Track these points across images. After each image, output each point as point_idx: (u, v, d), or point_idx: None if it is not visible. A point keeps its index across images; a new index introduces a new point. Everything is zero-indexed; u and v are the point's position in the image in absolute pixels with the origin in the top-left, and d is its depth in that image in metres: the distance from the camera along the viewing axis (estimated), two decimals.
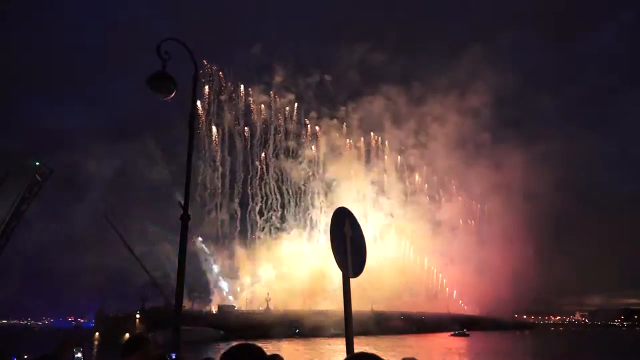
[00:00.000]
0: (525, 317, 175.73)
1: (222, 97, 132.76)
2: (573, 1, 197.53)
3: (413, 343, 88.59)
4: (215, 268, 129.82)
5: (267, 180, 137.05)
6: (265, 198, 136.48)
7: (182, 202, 8.61)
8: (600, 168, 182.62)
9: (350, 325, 5.47)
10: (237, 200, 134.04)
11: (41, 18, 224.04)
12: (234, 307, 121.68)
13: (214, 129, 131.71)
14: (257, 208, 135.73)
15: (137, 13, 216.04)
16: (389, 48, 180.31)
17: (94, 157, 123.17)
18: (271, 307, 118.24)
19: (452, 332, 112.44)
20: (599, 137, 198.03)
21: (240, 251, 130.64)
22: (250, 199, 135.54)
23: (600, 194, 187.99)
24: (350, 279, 5.66)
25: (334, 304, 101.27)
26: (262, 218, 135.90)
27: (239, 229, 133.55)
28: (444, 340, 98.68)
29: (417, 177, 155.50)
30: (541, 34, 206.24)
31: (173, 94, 9.03)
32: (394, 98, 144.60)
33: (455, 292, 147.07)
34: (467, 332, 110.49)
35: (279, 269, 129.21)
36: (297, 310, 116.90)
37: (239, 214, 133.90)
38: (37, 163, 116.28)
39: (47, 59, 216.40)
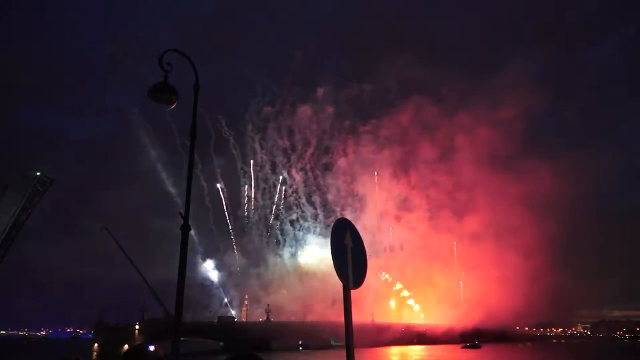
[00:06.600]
0: (527, 328, 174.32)
1: (267, 110, 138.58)
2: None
3: (432, 354, 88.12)
4: (218, 278, 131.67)
5: (300, 195, 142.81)
6: (299, 211, 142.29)
7: (183, 213, 8.57)
8: (610, 180, 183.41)
9: (351, 337, 5.42)
10: (272, 215, 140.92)
11: (41, 29, 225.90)
12: (234, 318, 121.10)
13: (257, 146, 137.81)
14: (289, 221, 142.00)
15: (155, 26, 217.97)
16: (427, 62, 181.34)
17: (94, 167, 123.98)
18: (271, 318, 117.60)
19: (464, 344, 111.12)
20: (613, 149, 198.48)
21: (272, 261, 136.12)
22: (284, 212, 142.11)
23: (608, 206, 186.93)
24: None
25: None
26: (295, 230, 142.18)
27: (274, 240, 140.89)
28: (459, 352, 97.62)
29: (444, 187, 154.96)
30: (555, 46, 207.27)
31: (174, 105, 9.06)
32: (426, 111, 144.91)
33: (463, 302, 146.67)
34: (478, 344, 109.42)
35: (302, 280, 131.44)
36: (300, 321, 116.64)
37: (273, 227, 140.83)
38: (38, 173, 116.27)
39: (47, 69, 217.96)
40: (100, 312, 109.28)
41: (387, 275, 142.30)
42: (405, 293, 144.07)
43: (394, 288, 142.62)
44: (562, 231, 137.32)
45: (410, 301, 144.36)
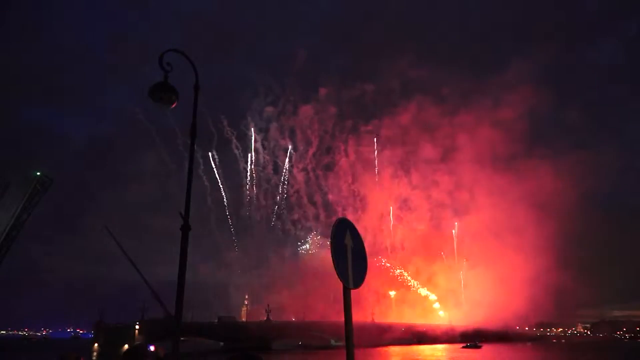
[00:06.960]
0: (527, 328, 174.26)
1: (269, 110, 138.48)
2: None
3: (434, 353, 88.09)
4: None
5: (301, 195, 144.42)
6: (301, 211, 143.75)
7: (183, 213, 8.54)
8: (611, 179, 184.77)
9: (351, 337, 5.42)
10: (274, 215, 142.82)
11: (41, 29, 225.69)
12: (234, 317, 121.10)
13: (259, 146, 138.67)
14: (290, 221, 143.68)
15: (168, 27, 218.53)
16: (429, 62, 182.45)
17: (94, 167, 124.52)
18: (272, 317, 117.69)
19: (465, 344, 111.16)
20: (615, 148, 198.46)
21: (273, 261, 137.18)
22: (286, 212, 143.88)
23: (609, 206, 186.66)
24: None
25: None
26: (297, 229, 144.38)
27: (275, 240, 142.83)
28: (461, 351, 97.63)
29: (445, 187, 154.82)
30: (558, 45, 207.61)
31: (174, 105, 9.03)
32: (428, 110, 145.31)
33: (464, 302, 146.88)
34: (479, 344, 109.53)
35: (303, 279, 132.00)
36: (300, 321, 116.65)
37: (275, 227, 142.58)
38: (38, 173, 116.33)
39: (47, 69, 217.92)
40: (100, 312, 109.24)
41: (388, 264, 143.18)
42: (433, 297, 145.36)
43: (392, 274, 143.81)
44: (563, 231, 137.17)
45: (434, 300, 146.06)
